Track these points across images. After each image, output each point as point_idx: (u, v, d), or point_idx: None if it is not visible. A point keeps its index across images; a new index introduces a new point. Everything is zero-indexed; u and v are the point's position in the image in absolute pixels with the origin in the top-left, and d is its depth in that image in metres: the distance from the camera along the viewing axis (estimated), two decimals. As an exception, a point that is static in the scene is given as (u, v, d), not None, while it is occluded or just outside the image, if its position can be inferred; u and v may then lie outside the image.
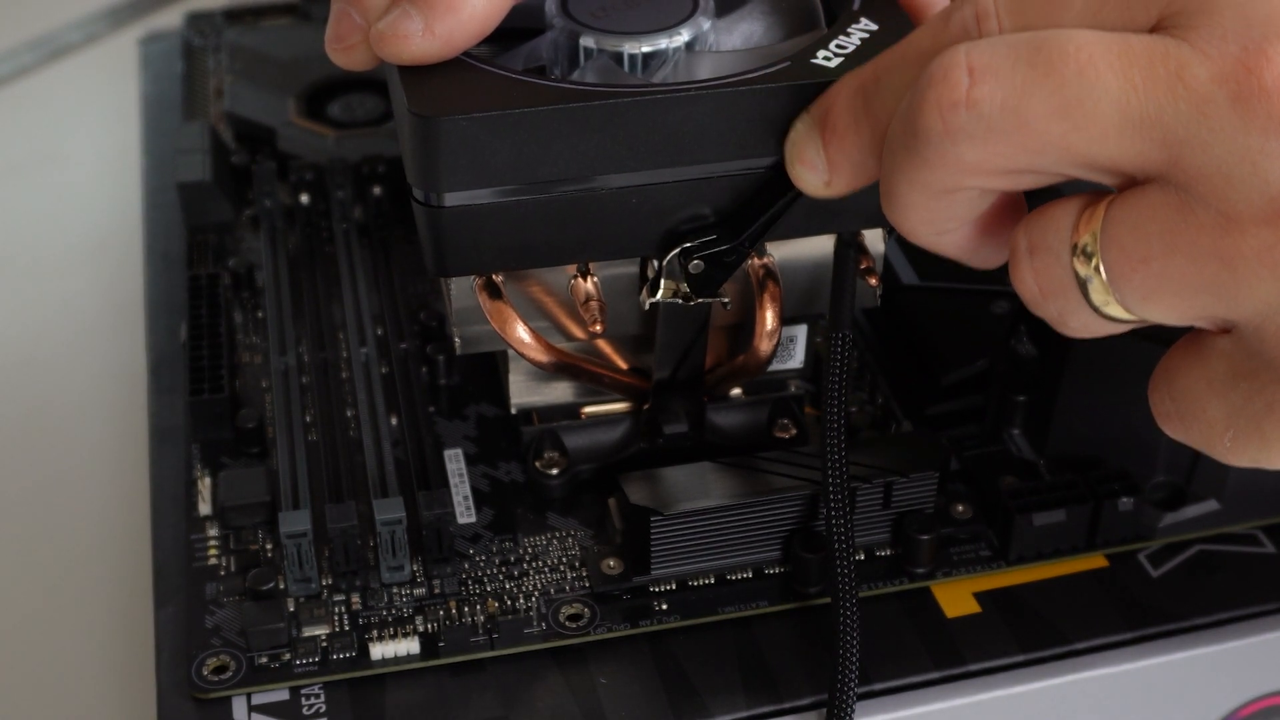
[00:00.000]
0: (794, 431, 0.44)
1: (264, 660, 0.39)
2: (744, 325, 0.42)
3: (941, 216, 0.32)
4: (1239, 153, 0.28)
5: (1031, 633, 0.40)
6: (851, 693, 0.38)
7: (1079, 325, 0.31)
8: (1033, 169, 0.30)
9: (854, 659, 0.38)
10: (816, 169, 0.34)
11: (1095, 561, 0.42)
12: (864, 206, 0.37)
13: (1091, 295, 0.30)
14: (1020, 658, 0.40)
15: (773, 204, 0.37)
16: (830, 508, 0.39)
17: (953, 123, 0.29)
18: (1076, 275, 0.30)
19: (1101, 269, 0.30)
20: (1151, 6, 0.29)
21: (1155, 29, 0.29)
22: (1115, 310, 0.30)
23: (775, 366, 0.44)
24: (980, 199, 0.32)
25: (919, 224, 0.32)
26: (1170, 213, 0.29)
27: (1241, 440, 0.31)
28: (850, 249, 0.40)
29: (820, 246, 0.41)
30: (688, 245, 0.38)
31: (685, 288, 0.38)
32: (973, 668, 0.40)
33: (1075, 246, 0.30)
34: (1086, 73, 0.29)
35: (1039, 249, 0.31)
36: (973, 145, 0.29)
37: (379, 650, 0.39)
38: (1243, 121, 0.28)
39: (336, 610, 0.40)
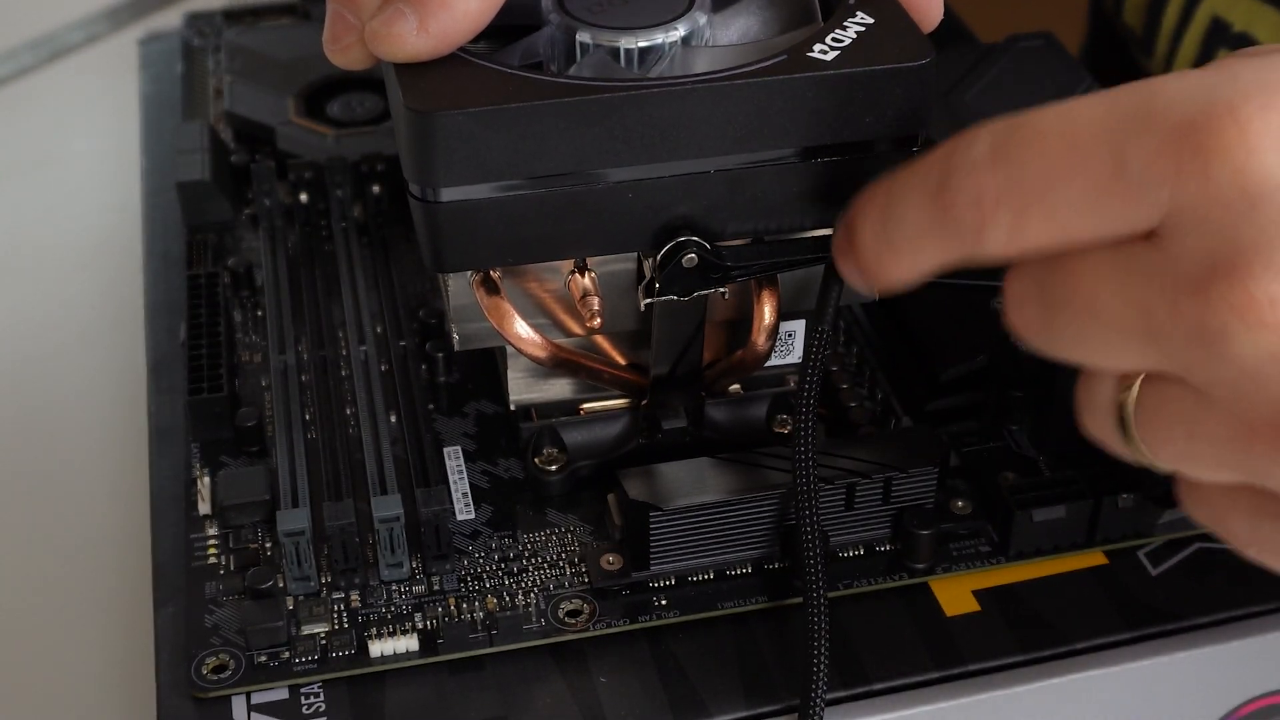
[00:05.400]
0: (792, 427, 0.44)
1: (263, 659, 0.39)
2: (742, 320, 0.42)
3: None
4: (1246, 372, 0.29)
5: (1031, 631, 0.40)
6: (823, 677, 0.38)
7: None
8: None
9: (823, 642, 0.38)
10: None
11: (1094, 559, 0.42)
12: None
13: (1130, 451, 0.33)
14: (1019, 657, 0.40)
15: (787, 256, 0.39)
16: (800, 506, 0.39)
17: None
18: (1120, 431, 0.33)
19: (1136, 438, 0.32)
20: (1155, 208, 0.30)
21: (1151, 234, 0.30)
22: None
23: (773, 362, 0.44)
24: None
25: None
26: (1189, 407, 0.31)
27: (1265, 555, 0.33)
28: None
29: (818, 242, 0.41)
30: (684, 240, 0.38)
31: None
32: (972, 667, 0.39)
33: (1118, 409, 0.32)
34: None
35: (1089, 405, 0.33)
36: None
37: (378, 648, 0.39)
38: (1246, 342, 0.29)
39: (335, 608, 0.40)
